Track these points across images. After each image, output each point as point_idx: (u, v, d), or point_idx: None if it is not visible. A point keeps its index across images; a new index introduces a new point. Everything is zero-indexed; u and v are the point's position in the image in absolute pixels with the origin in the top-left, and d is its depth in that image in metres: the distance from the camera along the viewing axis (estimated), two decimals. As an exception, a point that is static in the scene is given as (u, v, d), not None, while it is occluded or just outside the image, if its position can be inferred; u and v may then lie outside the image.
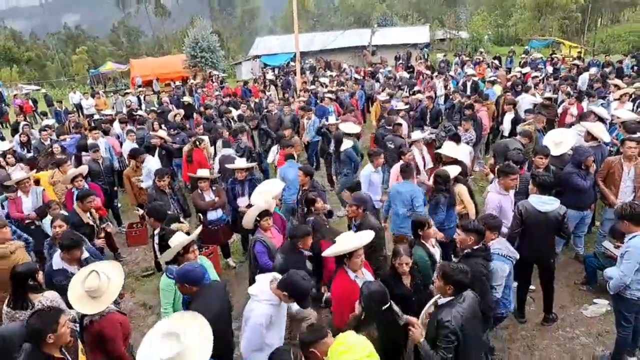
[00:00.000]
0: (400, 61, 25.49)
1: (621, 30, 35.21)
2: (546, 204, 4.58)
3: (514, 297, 4.58)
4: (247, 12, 63.45)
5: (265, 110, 11.52)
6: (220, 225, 6.37)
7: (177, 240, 4.13)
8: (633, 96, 9.69)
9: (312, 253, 4.54)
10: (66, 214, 5.63)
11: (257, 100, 14.20)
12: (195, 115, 11.45)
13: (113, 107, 17.20)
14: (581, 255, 6.04)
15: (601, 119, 7.56)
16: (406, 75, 17.73)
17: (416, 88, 13.50)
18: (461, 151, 6.77)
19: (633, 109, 8.82)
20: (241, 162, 6.81)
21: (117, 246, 7.37)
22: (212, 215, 6.32)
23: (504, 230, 4.91)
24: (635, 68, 17.16)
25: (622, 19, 44.26)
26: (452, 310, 3.06)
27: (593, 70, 14.87)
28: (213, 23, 55.32)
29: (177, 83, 23.89)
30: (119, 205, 8.85)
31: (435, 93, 13.27)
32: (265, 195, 5.30)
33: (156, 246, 5.23)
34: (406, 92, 13.15)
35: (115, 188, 8.48)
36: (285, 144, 7.78)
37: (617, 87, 10.47)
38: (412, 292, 3.84)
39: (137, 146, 8.59)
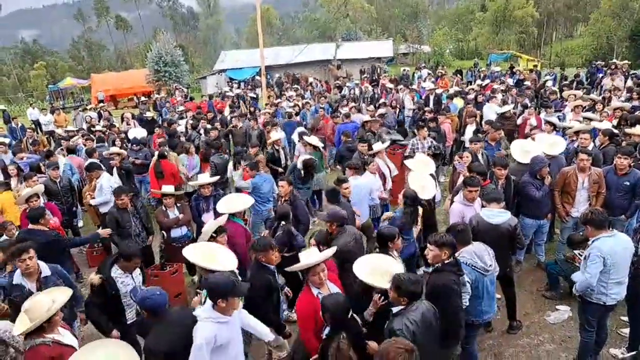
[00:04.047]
0: (366, 75, 25.91)
1: (575, 44, 37.21)
2: (496, 216, 4.63)
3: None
4: (211, 27, 63.10)
5: (232, 125, 11.35)
6: (184, 243, 6.10)
7: (207, 226, 4.72)
8: (587, 107, 10.18)
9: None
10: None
11: (221, 115, 14.06)
12: (157, 130, 11.09)
13: (73, 123, 16.62)
14: (543, 262, 6.19)
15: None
16: (371, 88, 18.01)
17: (382, 101, 13.73)
18: (427, 164, 6.75)
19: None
20: (205, 178, 6.64)
21: (78, 267, 7.08)
22: (176, 232, 6.16)
23: None
24: (588, 80, 18.07)
25: (575, 34, 46.73)
26: (402, 319, 3.12)
27: (549, 83, 15.54)
28: (177, 37, 54.74)
29: (143, 98, 23.41)
30: (80, 224, 8.48)
31: (402, 106, 13.55)
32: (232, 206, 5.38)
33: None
34: (371, 105, 13.34)
35: (75, 208, 8.10)
36: (248, 160, 7.68)
37: (574, 96, 10.99)
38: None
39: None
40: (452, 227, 4.23)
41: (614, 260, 3.92)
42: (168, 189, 6.37)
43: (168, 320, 3.40)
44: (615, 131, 7.28)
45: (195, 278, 6.65)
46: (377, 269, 3.66)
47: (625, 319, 4.76)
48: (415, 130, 10.53)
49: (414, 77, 22.23)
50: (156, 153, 8.47)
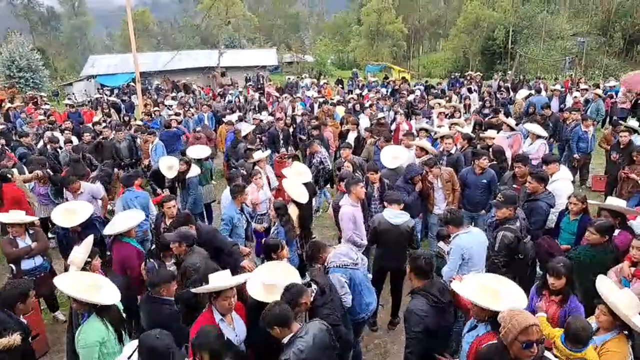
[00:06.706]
0: (251, 82, 25.73)
1: (438, 57, 41.58)
2: (397, 217, 4.91)
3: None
4: (76, 28, 57.23)
5: (101, 137, 10.11)
6: (39, 275, 5.25)
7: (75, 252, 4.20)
8: (448, 114, 11.30)
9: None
10: None
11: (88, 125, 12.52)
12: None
13: None
14: (419, 259, 6.61)
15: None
16: (257, 96, 17.88)
17: (269, 109, 13.71)
18: (302, 173, 6.77)
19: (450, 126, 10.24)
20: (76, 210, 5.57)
21: None
22: (28, 264, 5.20)
23: (356, 240, 5.20)
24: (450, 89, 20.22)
25: (438, 48, 52.25)
26: (291, 348, 2.92)
27: (417, 92, 17.00)
28: (34, 39, 48.67)
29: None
30: None
31: (286, 114, 13.58)
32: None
33: None
34: (257, 113, 13.20)
35: None
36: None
37: (439, 104, 12.18)
38: None
39: None
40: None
41: (470, 253, 4.37)
42: (16, 216, 5.36)
43: None
44: (472, 135, 8.15)
45: (59, 315, 5.80)
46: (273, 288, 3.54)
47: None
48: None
49: (297, 85, 22.67)
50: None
